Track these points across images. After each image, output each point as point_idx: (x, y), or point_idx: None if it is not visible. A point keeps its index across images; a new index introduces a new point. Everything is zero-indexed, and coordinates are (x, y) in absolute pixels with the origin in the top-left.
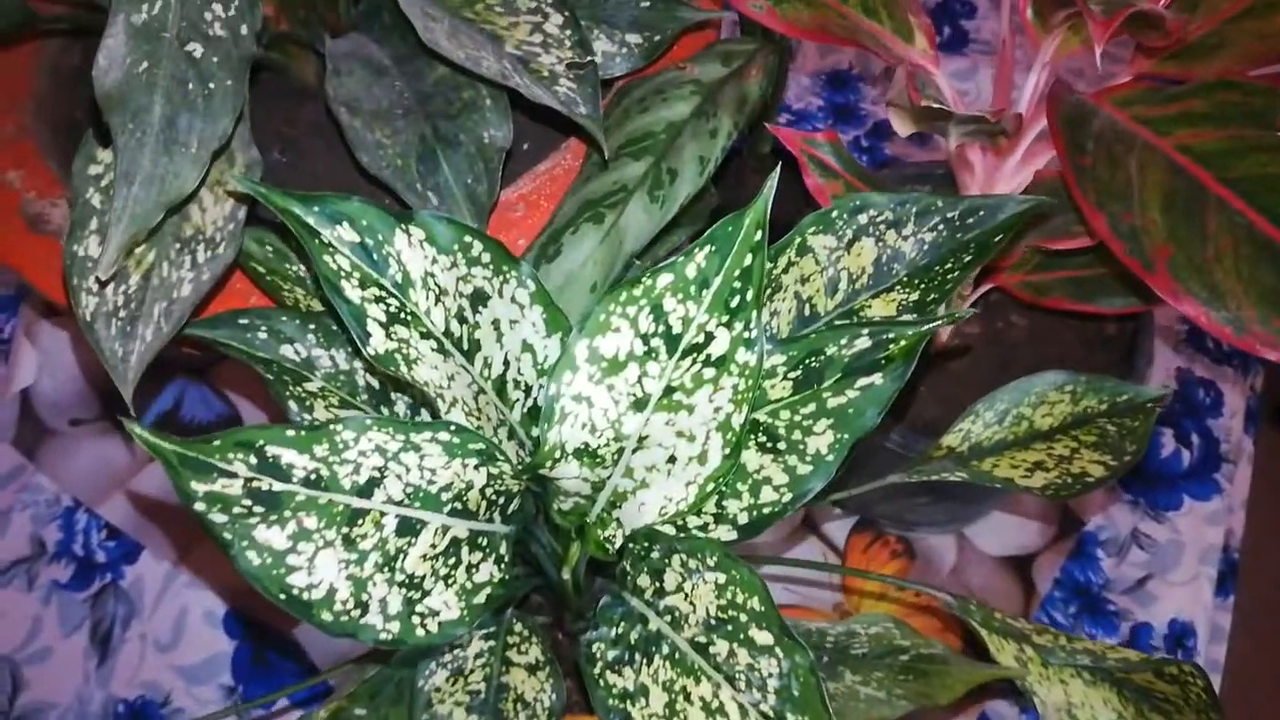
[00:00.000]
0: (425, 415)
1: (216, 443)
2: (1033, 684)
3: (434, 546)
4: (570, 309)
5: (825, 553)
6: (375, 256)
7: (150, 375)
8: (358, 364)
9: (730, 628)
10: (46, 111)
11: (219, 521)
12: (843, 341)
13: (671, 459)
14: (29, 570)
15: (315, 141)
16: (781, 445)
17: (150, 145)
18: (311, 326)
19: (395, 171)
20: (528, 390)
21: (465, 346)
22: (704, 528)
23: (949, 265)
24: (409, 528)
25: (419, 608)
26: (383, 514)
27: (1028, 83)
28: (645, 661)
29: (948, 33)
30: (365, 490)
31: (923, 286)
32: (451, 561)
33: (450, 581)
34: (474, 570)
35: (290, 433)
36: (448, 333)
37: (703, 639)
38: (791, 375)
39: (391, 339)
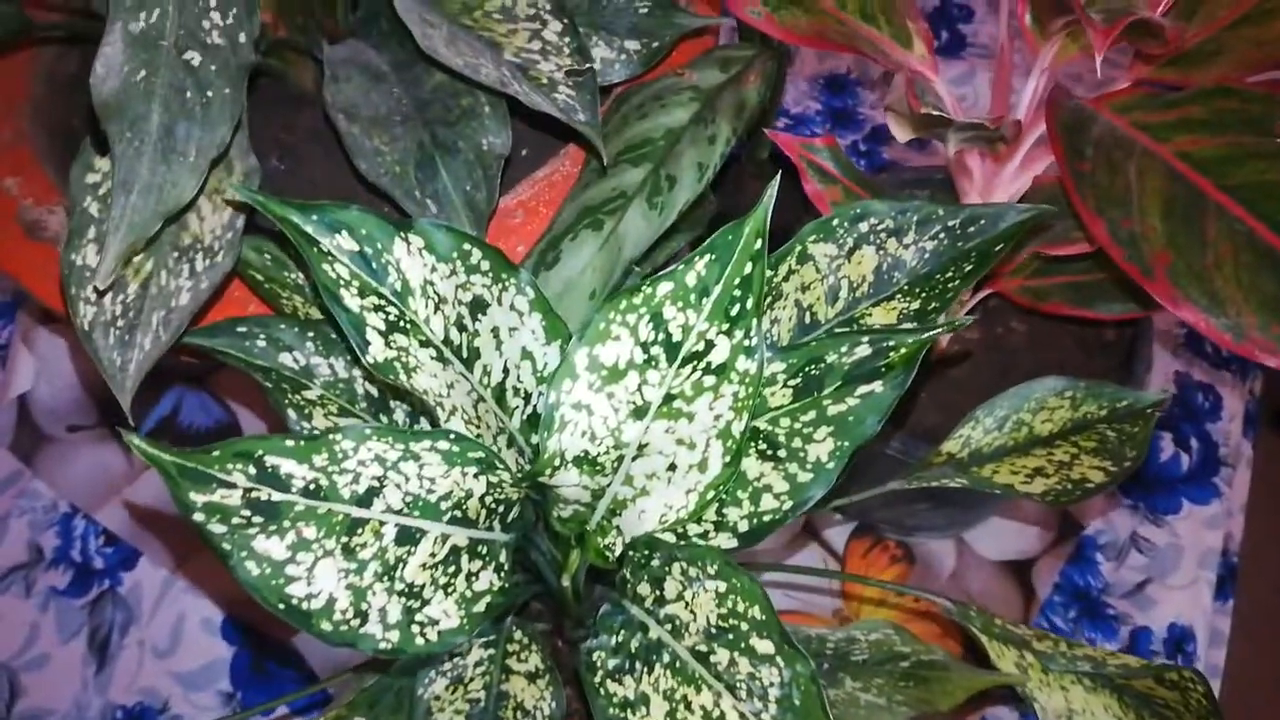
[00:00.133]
0: (424, 423)
1: (215, 453)
2: (1033, 690)
3: (433, 555)
4: (569, 316)
5: (825, 557)
6: (374, 265)
7: (149, 382)
8: (357, 372)
9: (731, 636)
10: (44, 117)
11: (218, 532)
12: (843, 349)
13: (672, 467)
14: (27, 577)
15: (313, 148)
16: (782, 453)
17: (148, 154)
18: (310, 334)
19: (394, 179)
20: (527, 398)
21: (464, 354)
22: (704, 535)
23: (950, 274)
24: (408, 537)
25: (419, 617)
26: (382, 523)
27: (1026, 88)
28: (646, 670)
29: (945, 37)
30: (364, 499)
31: (923, 295)
32: (451, 570)
33: (450, 590)
34: (474, 579)
35: (289, 443)
36: (447, 341)
37: (703, 648)
38: (792, 383)
39: (391, 347)
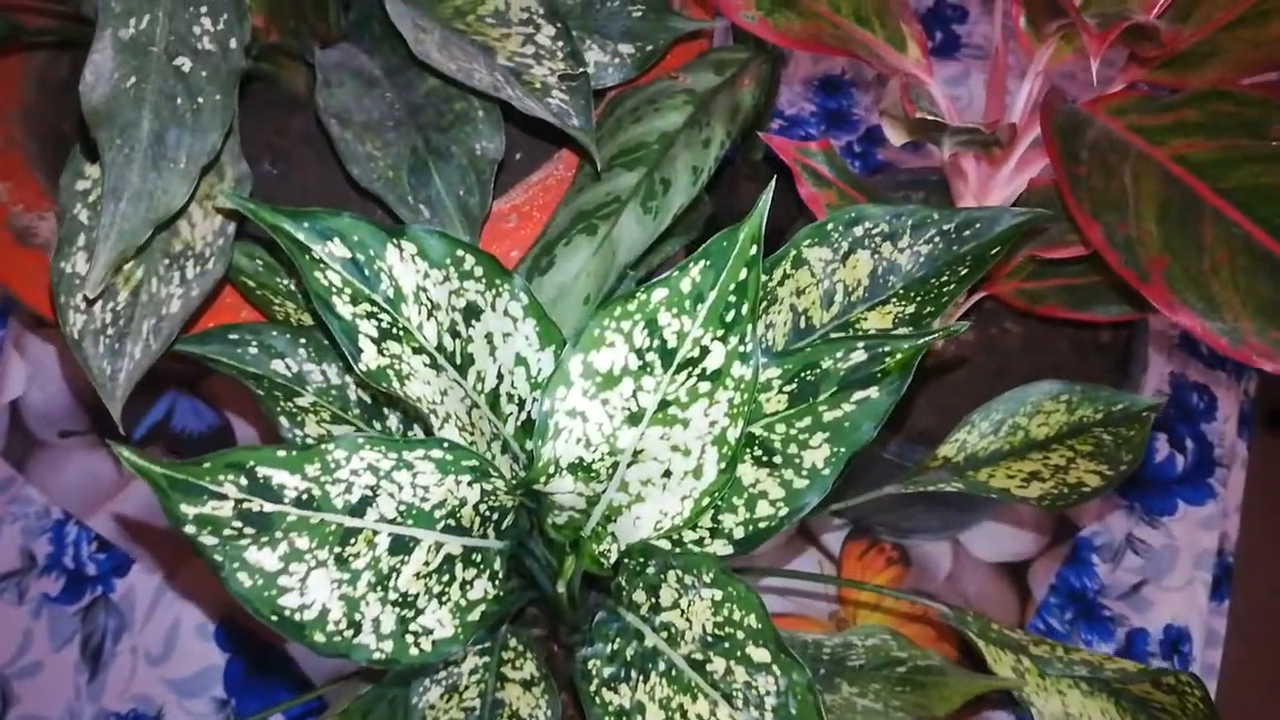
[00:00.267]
0: (418, 430)
1: (206, 464)
2: (1030, 695)
3: (427, 564)
4: (564, 321)
5: (821, 560)
6: (366, 272)
7: (141, 387)
8: (349, 379)
9: (727, 644)
10: (34, 123)
11: (209, 544)
12: (838, 355)
13: (667, 473)
14: (19, 583)
15: (306, 152)
16: (777, 459)
17: (138, 161)
18: (302, 341)
19: (387, 184)
20: (521, 404)
21: (458, 361)
22: (700, 542)
23: (945, 278)
24: (402, 546)
25: (413, 626)
26: (375, 533)
27: (1021, 91)
28: (641, 678)
29: (940, 38)
30: (357, 509)
31: (919, 299)
32: (445, 579)
33: (444, 599)
34: (468, 587)
35: (281, 453)
36: (440, 347)
37: (699, 656)
38: (787, 389)
39: (383, 355)
